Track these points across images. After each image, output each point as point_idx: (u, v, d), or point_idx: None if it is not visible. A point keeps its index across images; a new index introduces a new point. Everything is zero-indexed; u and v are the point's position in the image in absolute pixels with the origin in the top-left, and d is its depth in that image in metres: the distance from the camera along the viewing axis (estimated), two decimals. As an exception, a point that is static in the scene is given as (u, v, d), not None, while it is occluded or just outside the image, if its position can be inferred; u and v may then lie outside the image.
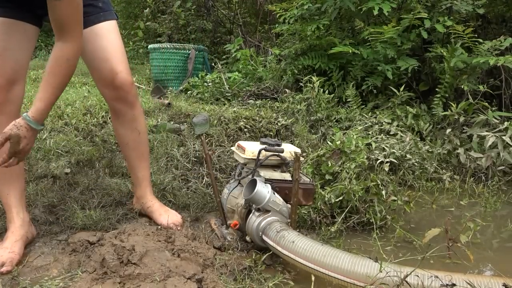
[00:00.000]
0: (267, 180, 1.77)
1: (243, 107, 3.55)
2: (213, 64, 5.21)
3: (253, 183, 1.72)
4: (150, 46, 4.84)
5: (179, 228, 1.86)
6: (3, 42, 1.57)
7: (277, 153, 1.84)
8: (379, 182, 2.16)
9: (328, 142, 2.57)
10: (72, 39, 1.48)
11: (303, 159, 2.29)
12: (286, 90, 3.93)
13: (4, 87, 1.57)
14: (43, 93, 1.46)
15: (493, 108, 3.16)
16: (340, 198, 2.08)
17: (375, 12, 3.44)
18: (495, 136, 2.86)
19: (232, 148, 2.05)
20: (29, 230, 1.68)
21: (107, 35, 1.75)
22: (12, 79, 1.58)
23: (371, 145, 2.76)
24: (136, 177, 1.96)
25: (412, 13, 3.48)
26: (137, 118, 1.87)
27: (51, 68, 1.47)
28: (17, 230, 1.62)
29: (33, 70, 6.69)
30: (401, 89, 3.40)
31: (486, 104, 3.14)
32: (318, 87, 3.50)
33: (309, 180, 1.86)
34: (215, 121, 2.85)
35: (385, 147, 2.74)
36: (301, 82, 3.73)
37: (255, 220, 1.70)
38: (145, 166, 1.97)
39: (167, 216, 1.91)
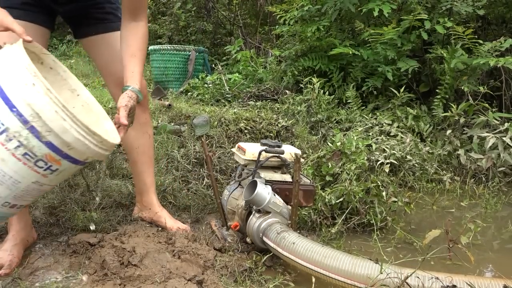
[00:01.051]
0: (267, 182, 1.77)
1: (244, 108, 3.55)
2: (213, 66, 5.22)
3: (253, 185, 1.72)
4: (150, 47, 4.85)
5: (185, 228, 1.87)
6: None
7: (277, 155, 1.84)
8: (379, 183, 2.15)
9: (329, 144, 2.57)
10: (144, 18, 1.64)
11: (303, 160, 2.29)
12: (287, 91, 3.93)
13: None
14: (138, 67, 1.58)
15: (494, 109, 3.16)
16: (341, 199, 2.08)
17: (375, 14, 3.45)
18: (495, 137, 2.86)
19: (232, 149, 2.05)
20: (29, 234, 1.68)
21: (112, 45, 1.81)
22: None
23: (371, 146, 2.76)
24: (144, 183, 1.92)
25: (412, 14, 3.48)
26: (148, 122, 1.90)
27: (138, 45, 1.60)
28: (18, 233, 1.62)
29: (34, 71, 6.70)
30: (402, 90, 3.40)
31: (487, 105, 3.15)
32: (318, 88, 3.50)
33: (309, 181, 1.86)
34: (216, 123, 2.85)
35: (386, 148, 2.74)
36: (302, 83, 3.74)
37: (255, 221, 1.70)
38: (152, 171, 1.94)
39: (175, 222, 1.90)
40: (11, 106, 1.11)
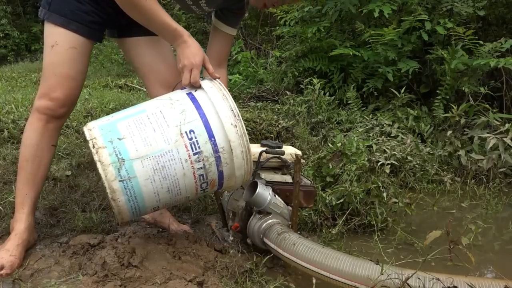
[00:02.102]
0: (268, 183, 1.77)
1: (244, 109, 3.55)
2: (214, 67, 5.21)
3: (254, 186, 1.72)
4: None
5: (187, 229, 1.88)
6: (81, 66, 1.65)
7: (278, 155, 1.83)
8: (380, 184, 2.15)
9: (329, 144, 2.57)
10: (226, 65, 1.91)
11: (304, 161, 2.29)
12: (287, 92, 3.94)
13: (72, 106, 1.68)
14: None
15: (494, 110, 3.16)
16: (341, 200, 2.08)
17: (376, 15, 3.45)
18: (496, 138, 2.86)
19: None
20: (32, 235, 1.68)
21: (167, 45, 1.85)
22: (76, 99, 1.71)
23: (372, 147, 2.76)
24: None
25: (412, 15, 3.48)
26: None
27: None
28: (21, 233, 1.62)
29: (34, 72, 6.71)
30: (402, 91, 3.40)
31: (487, 106, 3.14)
32: (319, 89, 3.51)
33: (310, 182, 1.86)
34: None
35: (386, 149, 2.74)
36: (302, 84, 3.74)
37: (256, 222, 1.70)
38: None
39: (178, 226, 1.89)
40: (210, 136, 1.36)
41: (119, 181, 1.32)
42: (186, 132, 1.36)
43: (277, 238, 1.60)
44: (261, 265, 1.61)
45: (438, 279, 1.29)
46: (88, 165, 2.42)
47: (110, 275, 1.46)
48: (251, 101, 3.84)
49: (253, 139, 2.87)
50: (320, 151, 2.53)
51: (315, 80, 3.53)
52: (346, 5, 3.71)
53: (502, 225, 2.33)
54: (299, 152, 1.86)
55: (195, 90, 1.45)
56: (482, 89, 3.22)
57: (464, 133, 3.15)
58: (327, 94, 3.62)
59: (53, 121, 1.64)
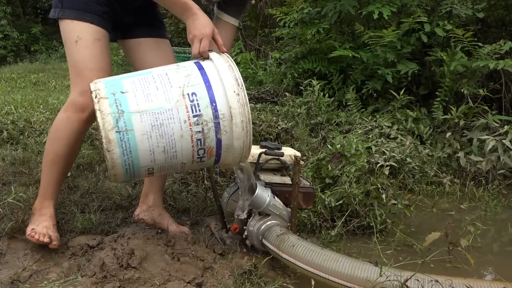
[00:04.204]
0: (267, 184, 1.77)
1: (243, 110, 3.55)
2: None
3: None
4: None
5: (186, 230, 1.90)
6: (109, 58, 1.69)
7: (277, 157, 1.83)
8: (379, 186, 2.15)
9: (328, 146, 2.57)
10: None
11: (303, 162, 2.29)
12: (286, 93, 3.94)
13: None
14: None
15: (493, 112, 3.16)
16: (340, 201, 2.08)
17: (375, 16, 3.45)
18: (495, 139, 2.86)
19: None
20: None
21: (169, 48, 1.92)
22: None
23: (371, 148, 2.76)
24: (155, 184, 1.91)
25: (412, 17, 3.49)
26: None
27: None
28: (53, 217, 1.71)
29: (34, 73, 6.71)
30: (401, 92, 3.40)
31: (486, 107, 3.15)
32: (318, 90, 3.51)
33: (309, 183, 1.86)
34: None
35: (385, 151, 2.74)
36: (301, 85, 3.74)
37: (255, 224, 1.70)
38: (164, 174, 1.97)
39: (177, 227, 1.89)
40: (212, 101, 1.38)
41: (116, 131, 1.34)
42: (188, 94, 1.38)
43: (276, 240, 1.60)
44: (260, 266, 1.61)
45: (437, 281, 1.29)
46: (87, 166, 2.42)
47: (109, 276, 1.46)
48: (251, 102, 3.84)
49: (253, 141, 2.87)
50: (320, 153, 2.53)
51: (314, 82, 3.54)
52: (345, 6, 3.71)
53: (501, 227, 2.33)
54: (298, 154, 1.86)
55: (203, 60, 1.48)
56: (481, 91, 3.22)
57: (463, 134, 3.16)
58: (327, 95, 3.62)
59: (91, 117, 1.65)
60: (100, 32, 1.65)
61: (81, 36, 1.61)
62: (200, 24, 1.53)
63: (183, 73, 1.42)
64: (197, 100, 1.38)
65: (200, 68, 1.44)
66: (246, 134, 1.42)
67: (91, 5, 1.63)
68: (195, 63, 1.48)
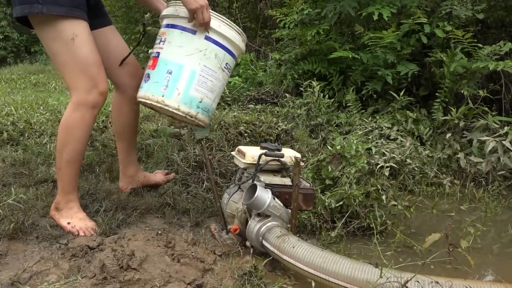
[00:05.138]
0: (267, 185, 1.77)
1: (243, 111, 3.56)
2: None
3: (253, 188, 1.72)
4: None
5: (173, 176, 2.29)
6: (98, 54, 1.73)
7: (277, 158, 1.84)
8: (379, 187, 2.15)
9: (328, 147, 2.57)
10: None
11: (303, 164, 2.29)
12: (286, 94, 3.94)
13: (106, 93, 1.76)
14: None
15: (493, 113, 3.16)
16: (340, 203, 2.07)
17: (375, 17, 3.45)
18: (495, 140, 2.86)
19: (232, 153, 2.05)
20: None
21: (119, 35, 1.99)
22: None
23: (371, 149, 2.76)
24: (134, 157, 2.14)
25: (412, 18, 3.49)
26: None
27: None
28: (80, 209, 1.84)
29: (34, 74, 6.71)
30: (401, 93, 3.40)
31: (486, 108, 3.15)
32: (318, 91, 3.51)
33: (309, 185, 1.86)
34: (216, 126, 2.85)
35: (385, 152, 2.74)
36: (301, 86, 3.74)
37: (255, 225, 1.70)
38: (135, 143, 2.22)
39: (157, 175, 2.26)
40: (233, 57, 1.87)
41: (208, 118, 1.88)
42: (224, 68, 1.83)
43: (276, 241, 1.60)
44: (261, 268, 1.61)
45: (437, 282, 1.29)
46: (88, 167, 2.42)
47: (109, 278, 1.46)
48: (251, 104, 3.84)
49: (253, 142, 2.88)
50: (320, 154, 2.53)
51: (314, 83, 3.54)
52: (345, 7, 3.72)
53: (501, 228, 2.33)
54: (298, 155, 1.86)
55: (208, 32, 1.74)
56: (481, 92, 3.22)
57: (463, 136, 3.16)
58: (327, 96, 3.62)
59: (98, 111, 1.76)
60: (88, 25, 1.68)
61: (76, 33, 1.60)
62: None
63: (211, 55, 1.77)
64: (229, 65, 1.85)
65: (216, 43, 1.77)
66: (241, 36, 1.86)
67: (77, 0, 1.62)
68: (206, 39, 1.75)
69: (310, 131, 3.33)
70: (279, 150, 1.86)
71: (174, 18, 1.78)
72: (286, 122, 3.21)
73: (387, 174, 2.49)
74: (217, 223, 2.02)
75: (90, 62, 1.65)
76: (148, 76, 1.78)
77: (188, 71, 1.73)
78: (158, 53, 1.77)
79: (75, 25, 1.61)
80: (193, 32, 1.74)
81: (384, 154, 2.72)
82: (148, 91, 1.75)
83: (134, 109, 2.04)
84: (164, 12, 1.83)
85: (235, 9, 6.65)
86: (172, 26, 1.78)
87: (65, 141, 1.70)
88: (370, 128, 3.27)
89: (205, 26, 1.69)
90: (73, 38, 1.60)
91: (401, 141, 3.07)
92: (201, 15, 1.65)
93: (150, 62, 1.79)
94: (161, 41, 1.79)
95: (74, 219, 1.79)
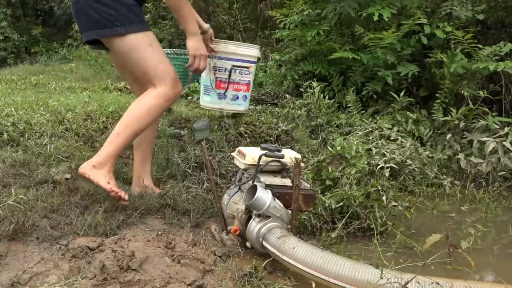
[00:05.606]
0: (267, 186, 1.77)
1: (244, 112, 3.55)
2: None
3: (253, 189, 1.72)
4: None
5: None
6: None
7: (277, 159, 1.84)
8: (379, 188, 2.15)
9: (329, 148, 2.57)
10: None
11: (303, 164, 2.29)
12: (286, 95, 3.94)
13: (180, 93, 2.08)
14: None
15: (493, 114, 3.16)
16: (341, 203, 2.07)
17: (375, 18, 3.46)
18: (495, 141, 2.86)
19: (232, 153, 2.05)
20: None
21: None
22: None
23: (371, 150, 2.76)
24: (148, 168, 2.28)
25: (412, 19, 3.49)
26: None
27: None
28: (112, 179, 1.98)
29: (34, 75, 6.71)
30: (401, 94, 3.41)
31: (486, 109, 3.15)
32: (318, 92, 3.51)
33: (309, 185, 1.86)
34: (216, 127, 2.85)
35: (386, 153, 2.74)
36: (301, 87, 3.74)
37: (255, 226, 1.70)
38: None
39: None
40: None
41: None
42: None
43: (276, 242, 1.60)
44: (261, 268, 1.61)
45: (438, 283, 1.29)
46: (88, 168, 2.41)
47: (109, 279, 1.46)
48: (251, 104, 3.83)
49: (253, 142, 2.87)
50: (320, 155, 2.53)
51: (314, 83, 3.54)
52: (345, 8, 3.72)
53: (501, 228, 2.33)
54: (298, 156, 1.86)
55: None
56: (481, 92, 3.22)
57: (464, 136, 3.16)
58: (327, 97, 3.62)
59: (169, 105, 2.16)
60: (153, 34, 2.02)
61: (151, 41, 1.95)
62: (201, 45, 2.06)
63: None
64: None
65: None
66: None
67: (141, 16, 1.96)
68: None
69: (310, 132, 3.33)
70: (279, 151, 1.86)
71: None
72: (286, 123, 3.20)
73: (387, 174, 2.49)
74: (217, 224, 2.02)
75: (166, 62, 1.99)
76: (245, 97, 2.74)
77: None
78: (249, 80, 2.70)
79: (148, 35, 1.95)
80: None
81: (384, 155, 2.72)
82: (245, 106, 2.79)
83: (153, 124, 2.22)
84: (253, 54, 2.65)
85: (235, 10, 6.65)
86: (255, 62, 2.70)
87: (140, 116, 1.95)
88: (370, 129, 3.27)
89: (197, 71, 2.07)
90: (151, 44, 1.94)
91: (401, 141, 3.07)
92: (198, 61, 2.05)
93: (245, 87, 2.69)
94: (250, 72, 2.68)
95: (112, 182, 1.91)
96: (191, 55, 2.03)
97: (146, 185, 2.23)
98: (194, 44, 2.03)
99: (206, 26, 2.35)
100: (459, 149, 3.05)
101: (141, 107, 1.97)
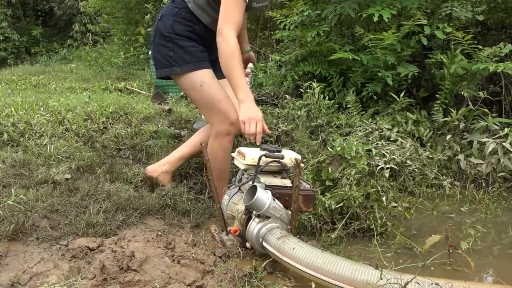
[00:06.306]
0: (267, 187, 1.77)
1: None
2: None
3: (253, 190, 1.72)
4: (150, 51, 4.85)
5: None
6: (224, 91, 2.09)
7: (277, 159, 1.84)
8: (379, 188, 2.15)
9: (329, 148, 2.57)
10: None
11: (303, 165, 2.29)
12: (287, 96, 3.94)
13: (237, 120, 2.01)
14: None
15: (493, 114, 3.16)
16: (341, 204, 2.07)
17: (375, 19, 3.46)
18: (495, 142, 2.86)
19: (232, 154, 2.05)
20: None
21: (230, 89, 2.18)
22: None
23: (371, 151, 2.76)
24: (181, 164, 2.37)
25: (412, 19, 3.49)
26: None
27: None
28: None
29: (34, 75, 6.72)
30: (401, 95, 3.41)
31: (486, 110, 3.15)
32: (318, 93, 3.51)
33: (309, 186, 1.86)
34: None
35: (385, 153, 2.74)
36: (302, 88, 3.74)
37: (255, 226, 1.70)
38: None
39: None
40: None
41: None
42: None
43: (276, 242, 1.60)
44: (261, 269, 1.61)
45: (438, 284, 1.29)
46: (88, 168, 2.42)
47: (109, 279, 1.46)
48: (251, 105, 3.83)
49: (253, 143, 2.87)
50: (320, 155, 2.53)
51: (314, 84, 3.54)
52: (345, 9, 3.72)
53: (501, 229, 2.33)
54: (298, 156, 1.87)
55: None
56: (481, 93, 3.22)
57: (464, 137, 3.16)
58: (327, 98, 3.62)
59: (233, 137, 2.11)
60: (211, 70, 2.11)
61: (203, 80, 2.06)
62: (255, 110, 1.90)
63: None
64: None
65: None
66: None
67: (199, 55, 2.10)
68: None
69: (310, 132, 3.33)
70: (279, 151, 1.86)
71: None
72: (286, 124, 3.21)
73: (387, 175, 2.49)
74: (217, 224, 2.02)
75: (217, 99, 2.05)
76: None
77: None
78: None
79: (200, 74, 2.07)
80: None
81: (384, 156, 2.72)
82: None
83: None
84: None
85: (236, 11, 6.64)
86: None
87: (213, 164, 2.02)
88: (370, 130, 3.27)
89: (251, 137, 1.88)
90: (201, 84, 2.06)
91: (401, 142, 3.07)
92: (248, 127, 1.88)
93: None
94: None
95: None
96: (240, 121, 1.93)
97: (165, 170, 2.28)
98: (242, 111, 1.92)
99: (246, 48, 2.42)
100: (459, 150, 3.05)
101: (209, 155, 2.03)
